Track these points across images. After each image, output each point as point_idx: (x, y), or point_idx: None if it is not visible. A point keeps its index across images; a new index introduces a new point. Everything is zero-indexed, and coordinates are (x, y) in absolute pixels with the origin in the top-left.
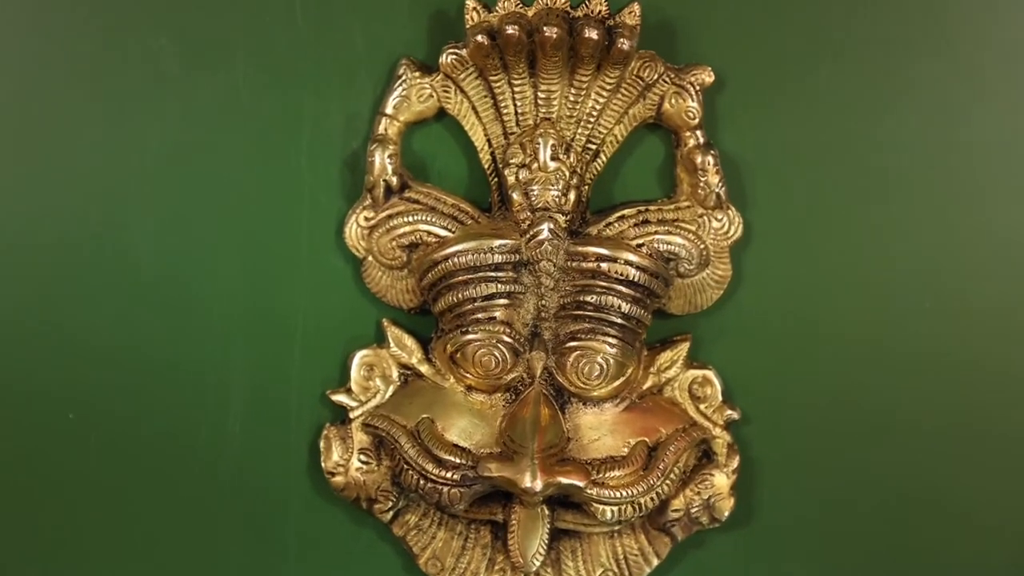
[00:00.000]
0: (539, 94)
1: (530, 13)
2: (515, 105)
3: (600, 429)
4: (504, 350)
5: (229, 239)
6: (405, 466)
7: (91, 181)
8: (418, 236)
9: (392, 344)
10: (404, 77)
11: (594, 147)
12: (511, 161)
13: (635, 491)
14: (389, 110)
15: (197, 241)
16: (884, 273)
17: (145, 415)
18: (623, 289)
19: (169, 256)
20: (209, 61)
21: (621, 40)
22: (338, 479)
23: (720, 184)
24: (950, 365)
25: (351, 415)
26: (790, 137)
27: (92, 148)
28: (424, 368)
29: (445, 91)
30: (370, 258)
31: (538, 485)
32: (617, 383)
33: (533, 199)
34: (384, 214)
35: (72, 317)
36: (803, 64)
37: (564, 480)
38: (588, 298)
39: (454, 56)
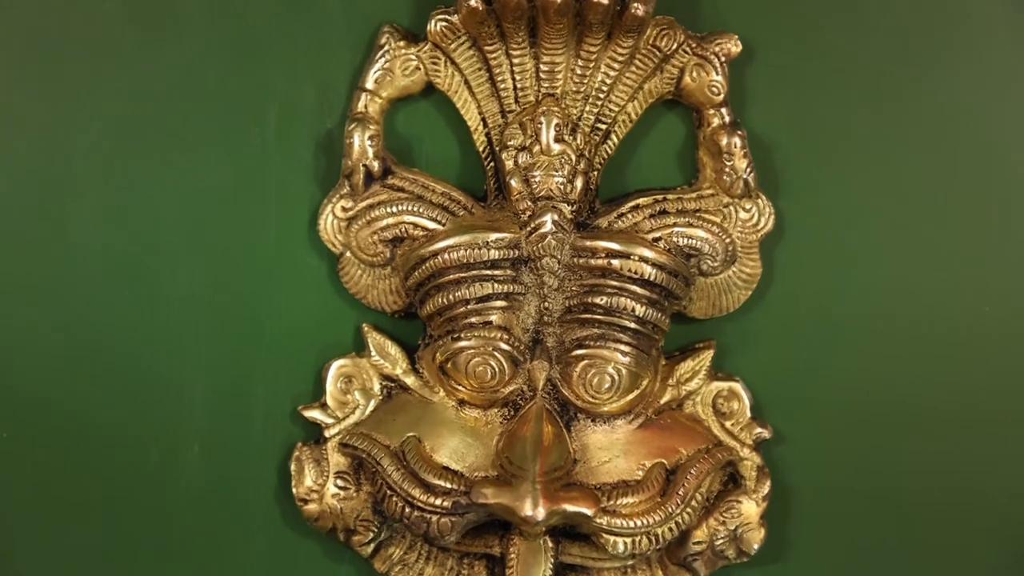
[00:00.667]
0: (541, 67)
1: None
2: (514, 79)
3: (611, 449)
4: (501, 359)
5: (186, 233)
6: (388, 492)
7: (29, 163)
8: (403, 229)
9: (373, 352)
10: (387, 47)
11: (604, 127)
12: (509, 143)
13: (651, 520)
14: (370, 85)
15: (148, 235)
16: (937, 271)
17: (87, 434)
18: (637, 289)
19: (116, 251)
20: (163, 28)
21: (635, 4)
22: (311, 507)
23: (748, 169)
24: (1015, 377)
25: (326, 434)
26: (827, 115)
27: (30, 127)
28: (410, 380)
29: (434, 63)
30: (348, 254)
31: (540, 513)
32: (630, 397)
33: (534, 186)
34: (364, 204)
35: (2, 318)
36: (841, 32)
37: (570, 508)
38: (597, 300)
39: (444, 23)
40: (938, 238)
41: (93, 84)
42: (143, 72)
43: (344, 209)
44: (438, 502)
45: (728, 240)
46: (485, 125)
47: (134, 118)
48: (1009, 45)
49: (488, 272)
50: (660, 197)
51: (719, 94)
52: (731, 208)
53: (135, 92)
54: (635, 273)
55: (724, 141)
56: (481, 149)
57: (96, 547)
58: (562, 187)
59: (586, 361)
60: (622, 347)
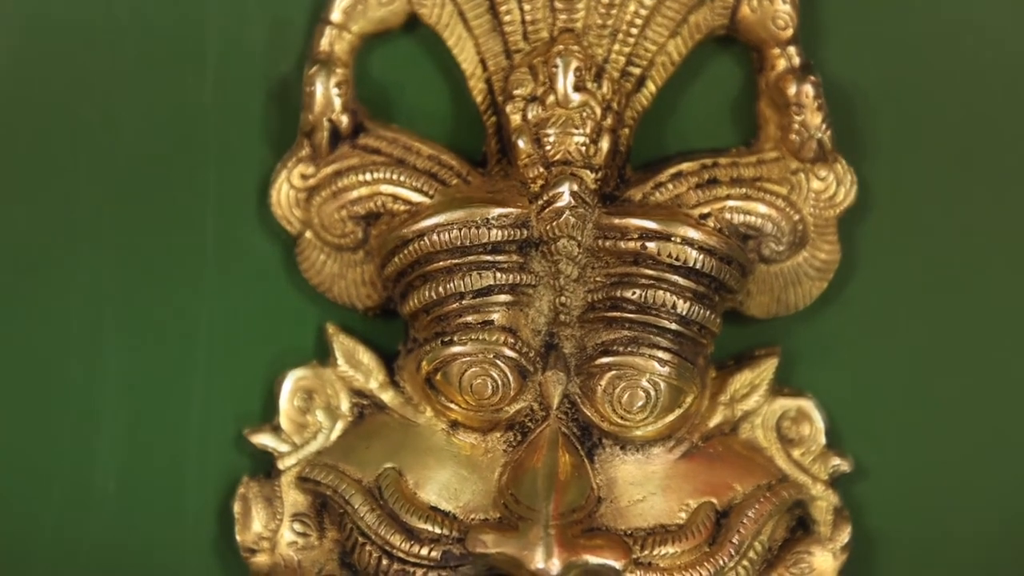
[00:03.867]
0: None
1: None
2: (522, 10)
3: (646, 485)
4: (505, 370)
5: (96, 206)
6: (360, 539)
7: None
8: (380, 202)
9: (340, 361)
10: None
11: (638, 71)
12: (516, 92)
13: (698, 575)
14: (336, 16)
15: (48, 207)
16: None
17: None
18: (679, 280)
19: (4, 228)
20: None
21: None
22: (261, 558)
23: (824, 126)
24: None
25: (280, 465)
26: (925, 59)
27: None
28: (387, 396)
29: None
30: (308, 234)
31: (555, 566)
32: (670, 418)
33: (548, 148)
34: (329, 170)
35: None
36: None
37: (593, 559)
38: (628, 293)
39: None
40: None
41: None
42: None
43: (303, 177)
44: (424, 552)
45: (797, 217)
46: (485, 69)
47: (35, 52)
48: None
49: (488, 258)
50: (709, 162)
51: (786, 28)
52: (801, 176)
53: (37, 20)
54: (677, 259)
55: (792, 89)
56: (479, 100)
57: None
58: (583, 149)
59: (614, 372)
60: (660, 354)
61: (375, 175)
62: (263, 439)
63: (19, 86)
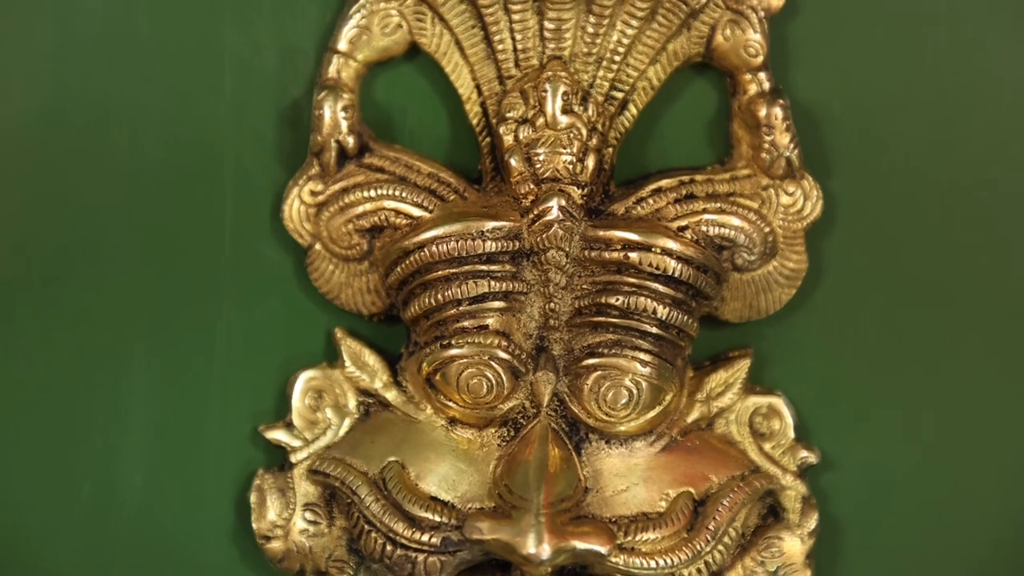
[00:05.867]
0: (546, 24)
1: None
2: (514, 39)
3: (629, 476)
4: (499, 370)
5: (123, 220)
6: (366, 527)
7: None
8: (383, 216)
9: (348, 362)
10: (363, 1)
11: (621, 95)
12: (508, 115)
13: (676, 559)
14: (343, 45)
15: (77, 222)
16: (1014, 268)
17: (8, 461)
18: (659, 287)
19: (36, 243)
20: None
21: None
22: (275, 545)
23: (792, 145)
24: None
25: (292, 458)
26: (886, 83)
27: None
28: (391, 395)
29: (419, 19)
30: (318, 246)
31: (545, 551)
32: (651, 414)
33: (538, 166)
34: (337, 187)
35: None
36: None
37: (580, 545)
38: (612, 300)
39: None
40: (1017, 225)
41: (13, 47)
42: (73, 27)
43: (313, 193)
44: (425, 538)
45: (768, 229)
46: (480, 94)
47: (63, 83)
48: None
49: (483, 267)
50: (687, 179)
51: (757, 56)
52: (771, 191)
53: (63, 51)
54: (657, 268)
55: (763, 111)
56: (475, 122)
57: None
58: (571, 167)
59: (599, 372)
60: (641, 355)
61: (379, 191)
62: (277, 435)
63: (52, 111)
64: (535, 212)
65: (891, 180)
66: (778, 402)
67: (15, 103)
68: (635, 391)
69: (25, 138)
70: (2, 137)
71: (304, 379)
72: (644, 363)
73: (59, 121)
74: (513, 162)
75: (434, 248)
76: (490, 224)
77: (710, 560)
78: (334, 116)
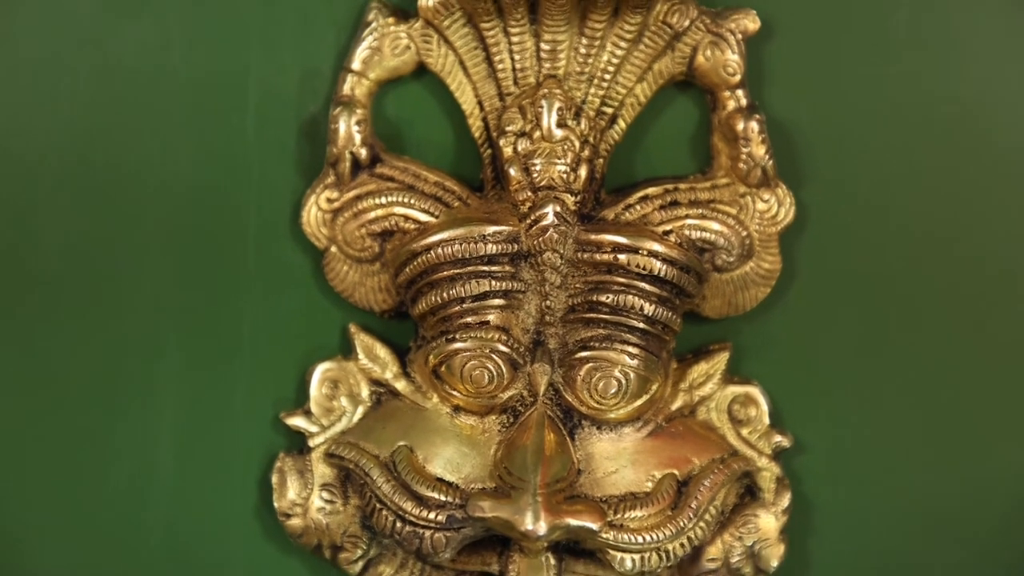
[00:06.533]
0: (542, 45)
1: None
2: (512, 59)
3: (618, 459)
4: (500, 362)
5: (157, 225)
6: (378, 505)
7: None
8: (393, 222)
9: (361, 355)
10: (375, 24)
11: (610, 111)
12: (508, 128)
13: (661, 535)
14: (356, 65)
15: (116, 228)
16: (972, 269)
17: (50, 446)
18: (646, 286)
19: (80, 247)
20: (132, 1)
21: None
22: (295, 522)
23: (767, 156)
24: None
25: (311, 443)
26: (854, 99)
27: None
28: (400, 385)
29: (426, 41)
30: (333, 249)
31: (541, 528)
32: (639, 402)
33: (535, 175)
34: (351, 194)
35: None
36: (870, 6)
37: (573, 522)
38: (603, 298)
39: None
40: (974, 230)
41: (56, 64)
42: (111, 51)
43: (329, 200)
44: (432, 516)
45: (745, 233)
46: (481, 109)
47: (101, 102)
48: None
49: (485, 268)
50: (671, 187)
51: (735, 75)
52: (748, 198)
53: (103, 73)
54: (644, 269)
55: (740, 126)
56: (477, 135)
57: (64, 568)
58: (565, 176)
59: (591, 364)
60: (630, 349)
61: (389, 199)
62: (296, 421)
63: (98, 128)
64: (532, 217)
65: (857, 188)
66: (754, 391)
67: (64, 121)
68: (624, 381)
69: (73, 152)
70: (52, 152)
71: (321, 370)
72: (632, 355)
73: (103, 137)
74: (512, 172)
75: (440, 250)
76: (491, 228)
77: (692, 536)
78: (348, 130)
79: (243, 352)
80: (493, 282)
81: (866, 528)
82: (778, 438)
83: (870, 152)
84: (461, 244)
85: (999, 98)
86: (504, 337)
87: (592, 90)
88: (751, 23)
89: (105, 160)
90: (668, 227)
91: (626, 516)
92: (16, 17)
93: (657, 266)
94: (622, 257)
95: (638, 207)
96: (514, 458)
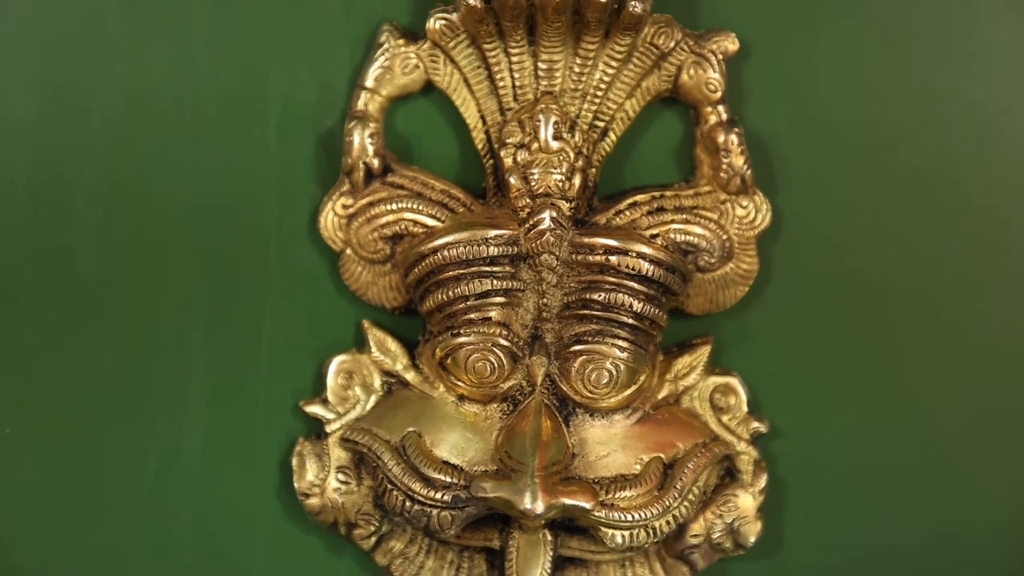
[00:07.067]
0: (540, 65)
1: None
2: (512, 77)
3: (609, 444)
4: (500, 355)
5: (184, 230)
6: (389, 486)
7: (22, 160)
8: (403, 226)
9: (373, 348)
10: (386, 45)
11: (602, 124)
12: (508, 141)
13: (649, 513)
14: (369, 83)
15: (147, 232)
16: (933, 268)
17: (88, 432)
18: (635, 285)
19: (113, 250)
20: (162, 24)
21: (633, 2)
22: (313, 501)
23: (745, 166)
24: (1011, 374)
25: (327, 429)
26: (826, 113)
27: (22, 123)
28: (410, 375)
29: (433, 61)
30: (348, 251)
31: (539, 507)
32: (628, 392)
33: (533, 184)
34: (364, 201)
35: (10, 315)
36: (841, 28)
37: (568, 501)
38: (595, 296)
39: (443, 21)
40: (935, 233)
41: (91, 80)
42: (142, 69)
43: (344, 207)
44: (438, 496)
45: (725, 237)
46: (484, 123)
47: (133, 116)
48: (1009, 36)
49: (487, 268)
50: (658, 194)
51: (716, 91)
52: (728, 205)
53: (134, 89)
54: (633, 269)
55: (721, 138)
56: (480, 147)
57: (106, 543)
58: (560, 184)
59: (584, 356)
60: (620, 343)
61: (399, 205)
62: (314, 409)
63: (123, 139)
64: (531, 222)
65: (828, 195)
66: (734, 381)
67: (99, 134)
68: (615, 372)
69: (107, 162)
70: (88, 162)
71: (337, 362)
72: (622, 349)
73: (135, 149)
74: (512, 180)
75: (446, 252)
76: (493, 232)
77: (677, 514)
78: (362, 142)
79: (265, 346)
80: (495, 281)
81: (836, 507)
82: (755, 424)
83: (840, 162)
84: (465, 247)
85: (955, 112)
86: (505, 332)
87: (585, 106)
88: (731, 44)
89: (136, 170)
90: (655, 231)
91: (616, 496)
92: (53, 38)
93: (645, 267)
94: (613, 258)
95: (627, 213)
96: (514, 443)
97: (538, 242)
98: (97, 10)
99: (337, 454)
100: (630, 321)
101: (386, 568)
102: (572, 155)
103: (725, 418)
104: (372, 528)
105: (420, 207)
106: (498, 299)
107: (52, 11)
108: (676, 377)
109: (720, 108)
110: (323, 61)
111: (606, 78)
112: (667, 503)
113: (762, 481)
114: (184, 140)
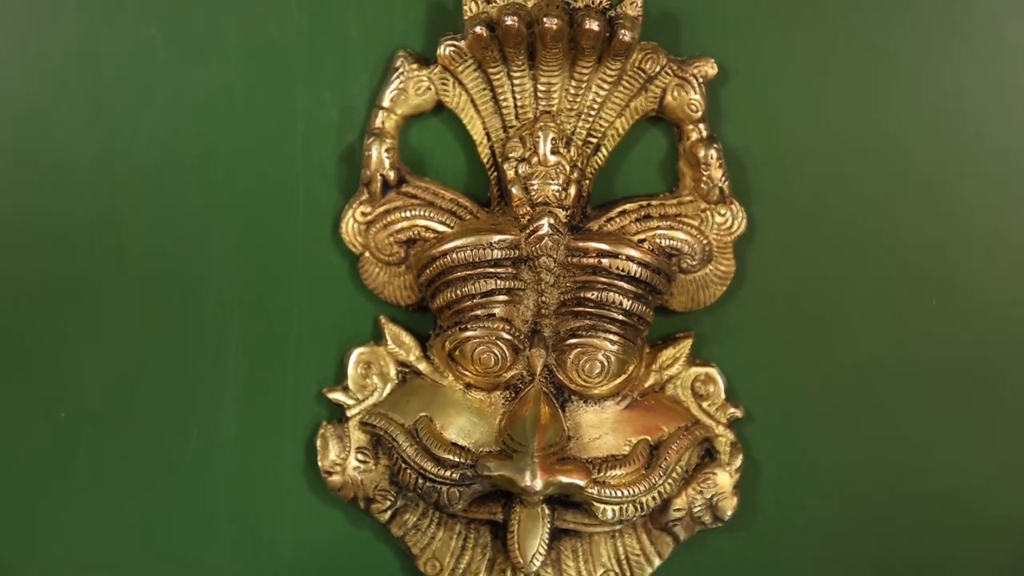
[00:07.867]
0: (539, 87)
1: (530, 3)
2: (514, 98)
3: (601, 427)
4: (503, 347)
5: (222, 235)
6: (403, 465)
7: (80, 174)
8: (416, 231)
9: (390, 341)
10: (401, 69)
11: (595, 140)
12: (510, 155)
13: (637, 490)
14: (386, 103)
15: (189, 237)
16: (891, 270)
17: (136, 416)
18: (624, 285)
19: (160, 252)
20: (201, 51)
21: (623, 31)
22: (335, 478)
23: (723, 178)
24: (958, 364)
25: (348, 413)
26: (795, 130)
27: (80, 140)
28: (422, 366)
29: (443, 84)
30: (367, 254)
31: (538, 484)
32: (618, 381)
33: (533, 193)
34: (381, 209)
35: (61, 314)
36: (809, 55)
37: (564, 479)
38: (589, 294)
39: (452, 48)
40: (893, 236)
41: (138, 102)
42: (183, 91)
43: (363, 214)
44: (447, 474)
45: (705, 241)
46: (489, 139)
47: (175, 133)
48: (979, 53)
49: (492, 270)
50: (645, 203)
51: (697, 111)
52: (708, 213)
53: (176, 109)
54: (622, 271)
55: (702, 153)
56: (485, 160)
57: (149, 515)
58: (557, 194)
59: (579, 349)
60: (611, 336)
61: (413, 212)
62: (336, 396)
63: (167, 153)
64: (531, 228)
65: (797, 204)
66: (713, 371)
67: (146, 147)
68: (606, 363)
69: (153, 173)
70: (136, 174)
71: (357, 354)
72: (613, 342)
73: (177, 161)
74: (514, 190)
75: (454, 255)
76: (496, 237)
77: (662, 490)
78: (379, 156)
79: (293, 339)
80: (498, 281)
81: (804, 484)
82: (732, 410)
83: (808, 174)
84: (472, 250)
85: (910, 127)
86: (507, 327)
87: (580, 123)
88: (710, 69)
89: (179, 180)
90: (642, 236)
91: (608, 475)
92: (107, 62)
93: (633, 268)
94: (605, 261)
95: (618, 220)
96: (515, 427)
97: (537, 246)
98: (145, 40)
99: (357, 436)
100: (620, 317)
101: (401, 539)
102: (568, 168)
103: (705, 404)
104: (388, 503)
105: (431, 214)
106: (501, 297)
107: (107, 42)
108: (661, 367)
109: (701, 126)
110: (344, 84)
111: (598, 99)
112: (653, 481)
113: (738, 461)
114: (220, 153)
